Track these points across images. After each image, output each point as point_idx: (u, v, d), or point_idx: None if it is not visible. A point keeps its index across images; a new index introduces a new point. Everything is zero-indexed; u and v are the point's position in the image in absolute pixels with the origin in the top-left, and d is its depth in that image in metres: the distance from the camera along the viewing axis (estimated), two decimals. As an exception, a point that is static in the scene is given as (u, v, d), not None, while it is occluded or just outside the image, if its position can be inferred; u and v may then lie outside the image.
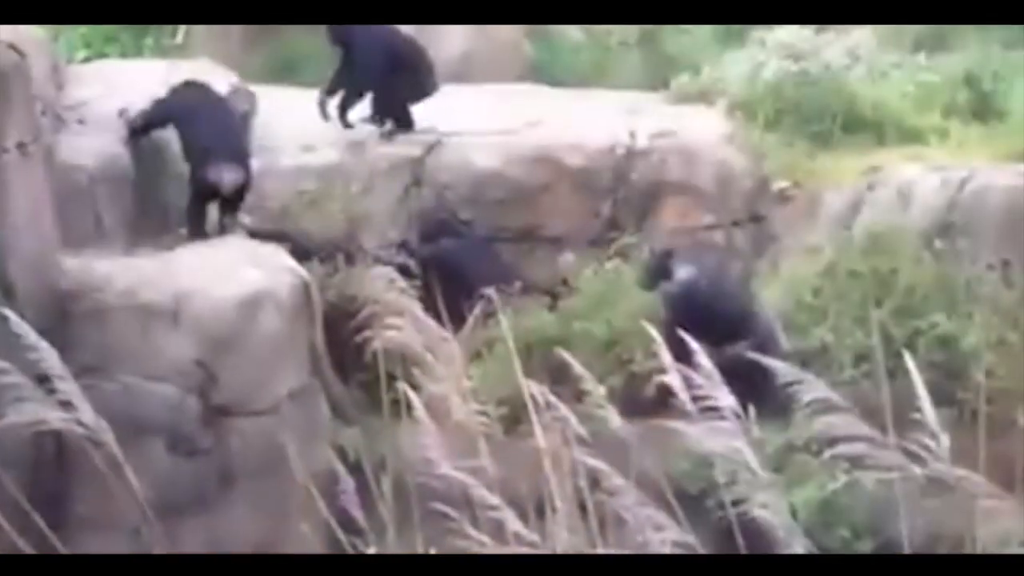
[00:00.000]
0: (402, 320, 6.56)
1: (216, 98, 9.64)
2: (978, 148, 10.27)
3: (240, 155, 9.37)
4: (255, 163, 9.70)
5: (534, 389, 6.02)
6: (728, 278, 9.62)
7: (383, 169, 10.17)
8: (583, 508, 5.79)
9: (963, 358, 8.88)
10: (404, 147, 10.27)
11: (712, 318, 8.49)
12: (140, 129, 9.53)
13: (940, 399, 5.46)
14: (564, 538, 5.69)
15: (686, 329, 6.10)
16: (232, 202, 9.36)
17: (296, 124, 10.45)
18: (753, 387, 6.40)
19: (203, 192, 9.26)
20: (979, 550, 5.37)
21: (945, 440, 5.16)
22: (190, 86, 9.61)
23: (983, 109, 10.83)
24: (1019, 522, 5.57)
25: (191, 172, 9.28)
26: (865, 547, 8.40)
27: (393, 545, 6.05)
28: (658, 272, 9.20)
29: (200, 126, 9.25)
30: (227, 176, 9.20)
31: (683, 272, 9.12)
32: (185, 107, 9.42)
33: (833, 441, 5.47)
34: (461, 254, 9.62)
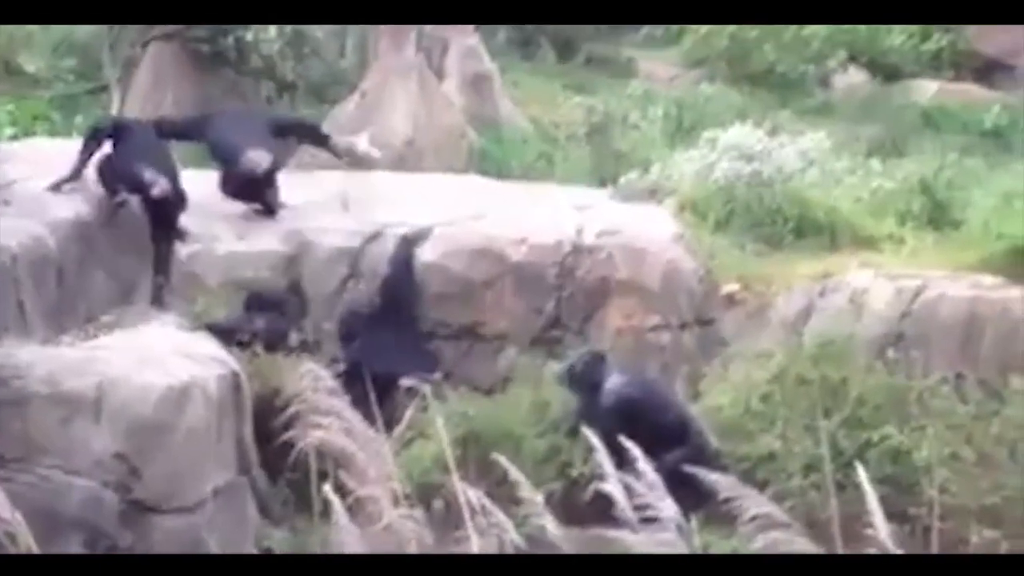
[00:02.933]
0: (329, 420, 6.30)
1: (149, 129, 10.29)
2: (932, 257, 10.11)
3: (168, 172, 9.69)
4: (188, 249, 9.50)
5: (470, 493, 5.76)
6: (659, 384, 9.32)
7: (321, 259, 9.88)
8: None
9: (915, 472, 8.63)
10: (343, 237, 9.99)
11: (647, 426, 8.16)
12: (84, 149, 9.79)
13: (891, 514, 5.24)
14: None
15: (621, 437, 5.86)
16: (163, 221, 9.62)
17: (233, 211, 10.19)
18: (693, 495, 6.19)
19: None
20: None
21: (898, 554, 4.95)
22: (125, 120, 10.96)
23: (938, 217, 10.72)
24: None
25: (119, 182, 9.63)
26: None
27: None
28: (587, 377, 8.88)
29: (131, 145, 9.76)
30: (156, 189, 9.49)
31: (615, 380, 8.80)
32: (119, 127, 9.99)
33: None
34: (379, 351, 9.29)
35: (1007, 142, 15.57)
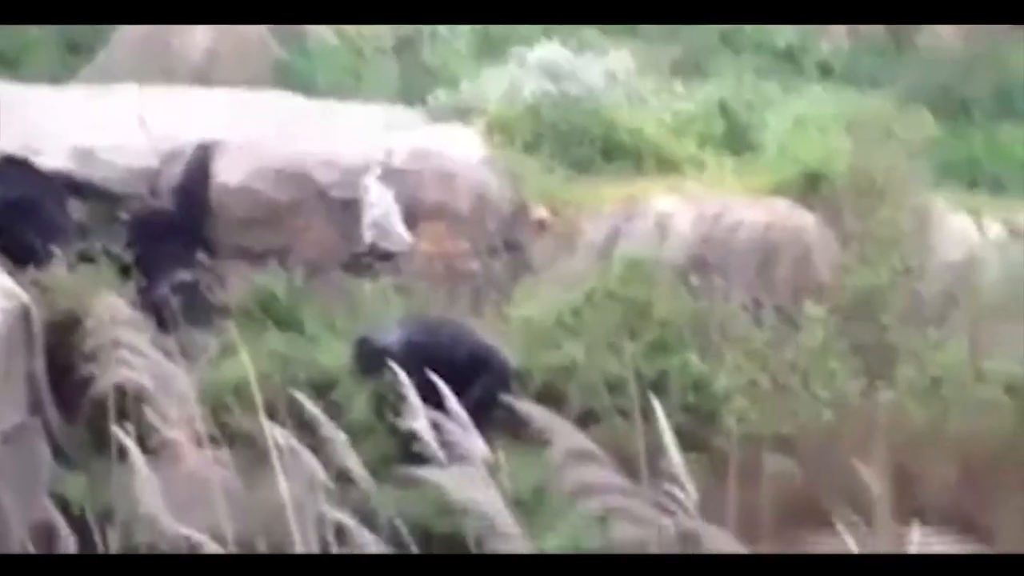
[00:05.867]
0: (129, 355, 6.08)
1: None
2: (731, 181, 10.20)
3: None
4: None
5: (277, 433, 5.65)
6: (443, 326, 9.20)
7: (115, 179, 9.53)
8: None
9: (715, 402, 8.77)
10: (139, 157, 9.65)
11: (443, 364, 8.11)
12: None
13: (692, 445, 5.27)
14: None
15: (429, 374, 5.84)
16: None
17: (21, 125, 9.76)
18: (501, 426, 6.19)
19: None
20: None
21: (693, 492, 4.95)
22: None
23: (737, 141, 10.78)
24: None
25: None
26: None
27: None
28: (371, 351, 8.70)
29: None
30: None
31: (395, 333, 8.71)
32: None
33: (587, 490, 5.25)
34: (163, 257, 9.05)
35: (799, 64, 15.74)
